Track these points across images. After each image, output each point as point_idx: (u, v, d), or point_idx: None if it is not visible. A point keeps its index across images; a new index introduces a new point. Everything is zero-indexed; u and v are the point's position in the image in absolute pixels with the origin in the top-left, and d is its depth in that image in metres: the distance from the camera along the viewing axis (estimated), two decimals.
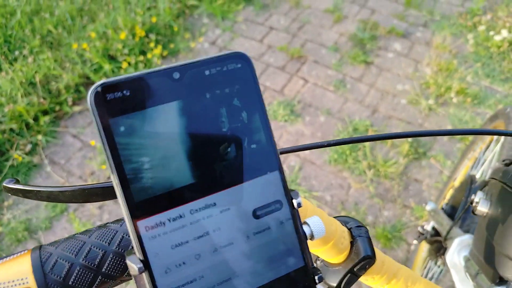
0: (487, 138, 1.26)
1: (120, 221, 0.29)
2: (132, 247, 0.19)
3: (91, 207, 1.62)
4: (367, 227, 1.55)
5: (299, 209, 0.35)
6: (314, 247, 0.38)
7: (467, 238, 0.80)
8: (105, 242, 0.27)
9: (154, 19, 2.30)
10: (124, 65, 2.08)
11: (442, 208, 1.27)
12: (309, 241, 0.37)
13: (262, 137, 0.21)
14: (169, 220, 0.19)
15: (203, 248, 0.20)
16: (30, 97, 1.89)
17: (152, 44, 2.20)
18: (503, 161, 0.56)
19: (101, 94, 0.18)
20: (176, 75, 0.19)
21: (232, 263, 0.20)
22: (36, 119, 1.87)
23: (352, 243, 0.40)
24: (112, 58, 2.14)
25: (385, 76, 2.11)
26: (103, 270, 0.26)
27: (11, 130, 1.81)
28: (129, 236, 0.27)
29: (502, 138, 1.07)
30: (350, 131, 1.85)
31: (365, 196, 1.65)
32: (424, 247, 1.37)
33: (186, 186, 0.19)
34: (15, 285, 0.24)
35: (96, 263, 0.26)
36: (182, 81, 0.19)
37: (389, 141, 1.82)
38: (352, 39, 2.29)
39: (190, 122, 0.19)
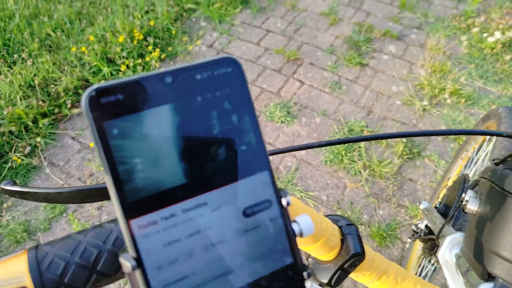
0: (480, 138, 1.28)
1: (115, 221, 0.29)
2: (126, 246, 0.20)
3: (90, 208, 1.63)
4: (363, 226, 1.56)
5: (291, 209, 0.36)
6: (305, 245, 0.39)
7: (458, 236, 0.82)
8: (100, 241, 0.28)
9: (152, 23, 2.33)
10: (123, 68, 2.10)
11: (436, 207, 1.28)
12: (300, 239, 0.38)
13: (252, 138, 0.21)
14: (161, 219, 0.20)
15: (195, 245, 0.20)
16: (29, 100, 1.91)
17: (150, 47, 2.22)
18: (493, 160, 0.58)
19: (95, 98, 0.18)
20: (168, 79, 0.20)
21: (223, 260, 0.21)
22: (35, 121, 1.89)
23: (342, 241, 0.41)
24: (110, 61, 2.16)
25: (380, 77, 2.13)
26: (98, 268, 0.27)
27: (10, 132, 1.82)
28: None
29: (494, 137, 1.10)
30: (345, 132, 1.87)
31: (361, 196, 1.67)
32: (418, 245, 1.39)
33: (178, 186, 0.20)
34: (12, 283, 0.25)
35: (91, 261, 0.27)
36: (174, 85, 0.20)
37: (384, 141, 1.84)
38: (348, 42, 2.32)
39: (182, 124, 0.20)
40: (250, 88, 0.23)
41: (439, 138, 1.86)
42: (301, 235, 0.24)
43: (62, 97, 1.97)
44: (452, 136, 1.86)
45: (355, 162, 1.76)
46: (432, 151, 1.81)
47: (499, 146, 1.07)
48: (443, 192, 1.38)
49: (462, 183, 1.13)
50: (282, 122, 1.92)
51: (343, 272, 0.41)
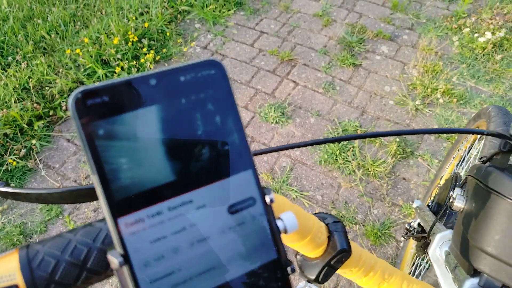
0: (471, 137, 1.30)
1: (105, 219, 0.29)
2: (113, 243, 0.20)
3: (86, 210, 1.64)
4: (357, 225, 1.58)
5: (277, 206, 0.37)
6: (293, 242, 0.40)
7: (448, 234, 0.83)
8: (90, 240, 0.28)
9: (146, 25, 2.33)
10: (117, 70, 2.10)
11: (428, 206, 1.30)
12: (288, 236, 0.39)
13: (235, 138, 0.22)
14: (148, 217, 0.20)
15: (181, 242, 0.21)
16: (24, 102, 1.91)
17: (145, 49, 2.23)
18: (480, 158, 0.60)
19: (81, 100, 0.19)
20: (153, 82, 0.20)
21: (208, 256, 0.21)
22: (30, 124, 1.89)
23: (329, 238, 0.42)
24: (105, 63, 2.17)
25: (373, 78, 2.15)
26: (88, 265, 0.27)
27: (5, 135, 1.82)
28: None
29: (484, 136, 1.12)
30: (339, 132, 1.89)
31: (355, 195, 1.69)
32: (412, 244, 1.40)
33: (164, 184, 0.20)
34: (3, 281, 0.25)
35: (82, 259, 0.27)
36: (159, 87, 0.20)
37: (378, 141, 1.87)
38: (341, 43, 2.34)
39: (167, 125, 0.20)
40: (233, 89, 0.24)
41: (432, 137, 1.88)
42: (285, 231, 0.24)
43: (57, 99, 1.97)
44: (445, 135, 1.89)
45: (349, 162, 1.78)
46: (425, 150, 1.83)
47: (488, 145, 1.09)
48: (436, 190, 1.40)
49: (454, 182, 1.15)
50: (276, 122, 1.94)
51: (330, 268, 0.42)
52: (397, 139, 1.85)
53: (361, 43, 2.33)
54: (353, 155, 1.80)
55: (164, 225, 0.20)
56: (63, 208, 1.65)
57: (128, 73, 2.10)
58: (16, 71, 2.04)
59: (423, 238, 1.17)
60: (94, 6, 2.52)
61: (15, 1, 2.46)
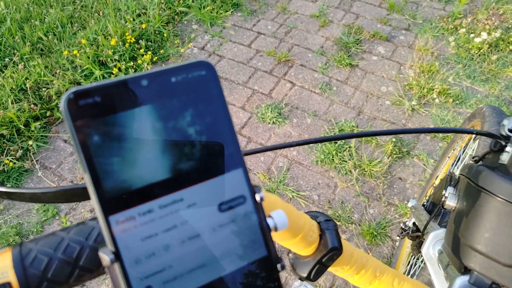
0: (466, 136, 1.30)
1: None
2: (105, 240, 0.20)
3: (83, 211, 1.64)
4: (353, 225, 1.58)
5: (269, 205, 0.38)
6: (285, 240, 0.40)
7: (441, 232, 0.84)
8: (83, 238, 0.28)
9: (144, 26, 2.34)
10: (115, 71, 2.10)
11: (424, 205, 1.31)
12: (279, 234, 0.40)
13: (226, 137, 0.22)
14: (139, 215, 0.20)
15: (172, 240, 0.21)
16: (20, 103, 1.91)
17: (142, 50, 2.23)
18: (473, 158, 0.60)
19: (73, 100, 0.19)
20: (144, 82, 0.21)
21: (199, 254, 0.22)
22: (27, 125, 1.89)
23: (321, 236, 0.42)
24: (102, 64, 2.17)
25: (370, 78, 2.16)
26: (81, 263, 0.28)
27: (2, 136, 1.82)
28: None
29: (479, 136, 1.12)
30: (336, 132, 1.90)
31: (351, 195, 1.69)
32: (408, 243, 1.41)
33: (155, 183, 0.21)
34: None
35: (74, 257, 0.27)
36: (150, 87, 0.21)
37: (374, 141, 1.87)
38: (338, 43, 2.35)
39: (158, 125, 0.21)
40: (224, 89, 0.24)
41: (428, 137, 1.89)
42: (275, 229, 0.25)
43: (54, 100, 1.98)
44: (441, 135, 1.90)
45: (346, 161, 1.78)
46: (421, 150, 1.84)
47: (482, 144, 1.10)
48: (431, 190, 1.41)
49: (449, 181, 1.16)
50: (273, 123, 1.94)
51: (321, 266, 0.42)
52: (393, 139, 1.85)
53: (357, 44, 2.34)
54: (350, 155, 1.81)
55: (155, 223, 0.21)
56: (59, 208, 1.65)
57: (125, 74, 2.11)
58: (13, 72, 2.04)
59: (418, 237, 1.18)
60: (92, 8, 2.53)
61: (12, 2, 2.46)
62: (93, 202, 0.20)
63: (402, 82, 2.14)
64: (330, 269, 0.44)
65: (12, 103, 1.89)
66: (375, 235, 1.57)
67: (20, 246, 0.27)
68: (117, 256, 0.20)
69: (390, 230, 1.60)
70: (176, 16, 2.53)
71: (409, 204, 1.22)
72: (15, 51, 2.19)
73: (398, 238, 1.50)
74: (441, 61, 2.26)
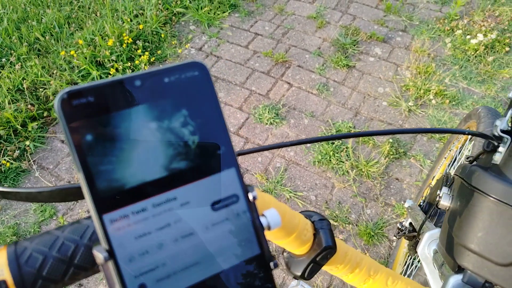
0: (462, 137, 1.31)
1: None
2: (99, 238, 0.20)
3: (80, 211, 1.64)
4: (351, 225, 1.59)
5: (263, 204, 0.38)
6: (279, 239, 0.41)
7: (436, 232, 0.84)
8: (77, 236, 0.29)
9: (141, 26, 2.34)
10: (112, 71, 2.10)
11: (420, 205, 1.32)
12: (274, 233, 0.40)
13: (219, 137, 0.23)
14: (132, 213, 0.21)
15: (165, 238, 0.21)
16: (18, 104, 1.91)
17: (139, 51, 2.23)
18: (467, 158, 0.61)
19: (67, 100, 0.19)
20: (138, 83, 0.21)
21: (192, 252, 0.22)
22: (24, 125, 1.88)
23: (315, 235, 0.43)
24: (99, 65, 2.17)
25: (367, 79, 2.17)
26: (75, 262, 0.28)
27: None
28: None
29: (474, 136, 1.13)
30: (333, 133, 1.90)
31: (348, 195, 1.70)
32: (405, 243, 1.42)
33: (148, 182, 0.21)
34: None
35: (69, 255, 0.28)
36: (143, 88, 0.21)
37: (371, 142, 1.88)
38: (335, 44, 2.36)
39: (151, 125, 0.21)
40: (216, 90, 0.25)
41: (425, 138, 1.90)
42: (269, 228, 0.25)
43: (51, 101, 1.97)
44: (437, 136, 1.91)
45: (343, 162, 1.79)
46: (418, 151, 1.85)
47: (477, 145, 1.11)
48: (427, 190, 1.42)
49: (445, 182, 1.17)
50: (271, 123, 1.95)
51: (315, 265, 0.42)
52: (390, 140, 1.86)
53: (354, 45, 2.35)
54: (347, 155, 1.81)
55: (148, 221, 0.21)
56: (56, 209, 1.65)
57: (122, 75, 2.11)
58: (10, 73, 2.04)
59: (414, 237, 1.19)
60: (89, 8, 2.52)
61: (9, 3, 2.45)
62: (87, 200, 0.20)
63: (399, 83, 2.15)
64: (324, 267, 0.45)
65: (9, 103, 1.89)
66: (372, 235, 1.57)
67: (15, 244, 0.27)
68: (111, 254, 0.20)
69: (387, 230, 1.60)
70: (173, 17, 2.54)
71: (406, 205, 1.23)
72: (12, 51, 2.19)
73: (395, 238, 1.51)
74: (437, 62, 2.27)
